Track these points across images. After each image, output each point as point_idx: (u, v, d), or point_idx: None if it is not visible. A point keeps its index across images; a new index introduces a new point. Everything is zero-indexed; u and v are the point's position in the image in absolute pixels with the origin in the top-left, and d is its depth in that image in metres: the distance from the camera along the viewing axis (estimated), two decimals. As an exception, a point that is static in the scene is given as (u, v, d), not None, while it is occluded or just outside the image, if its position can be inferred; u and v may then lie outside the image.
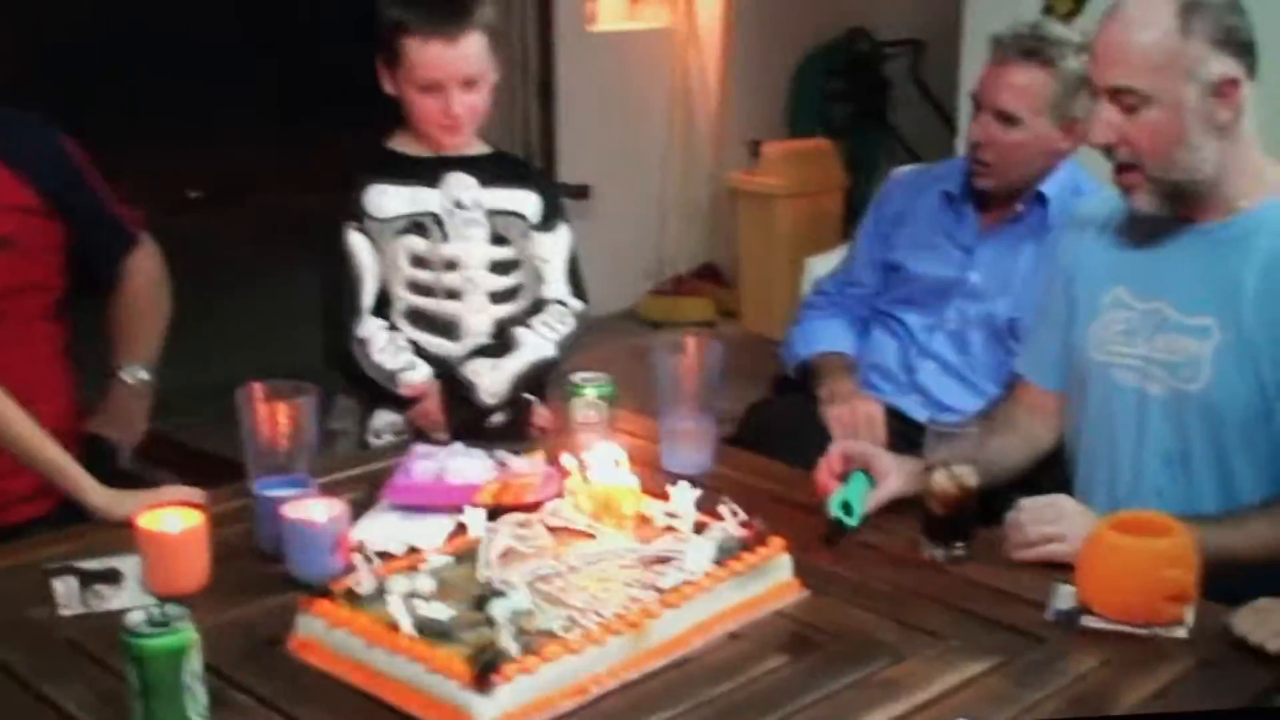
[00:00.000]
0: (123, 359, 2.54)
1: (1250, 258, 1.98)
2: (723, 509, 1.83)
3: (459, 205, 2.42)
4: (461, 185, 2.43)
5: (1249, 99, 1.97)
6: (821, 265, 3.43)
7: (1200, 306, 2.01)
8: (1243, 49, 1.95)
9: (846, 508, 1.99)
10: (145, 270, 2.57)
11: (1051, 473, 2.24)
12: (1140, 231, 2.10)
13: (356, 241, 2.40)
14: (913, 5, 6.17)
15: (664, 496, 1.89)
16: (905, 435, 2.51)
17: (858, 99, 6.40)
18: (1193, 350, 2.00)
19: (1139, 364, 2.06)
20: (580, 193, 5.47)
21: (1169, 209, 2.02)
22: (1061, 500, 1.94)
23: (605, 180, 5.64)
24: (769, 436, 2.61)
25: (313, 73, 9.21)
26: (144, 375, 2.55)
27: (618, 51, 5.78)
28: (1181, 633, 1.72)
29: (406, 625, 1.56)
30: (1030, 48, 2.60)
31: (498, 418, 2.39)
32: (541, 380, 2.49)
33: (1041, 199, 2.67)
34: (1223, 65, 1.93)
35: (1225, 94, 1.94)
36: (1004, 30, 2.68)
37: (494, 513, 1.87)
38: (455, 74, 2.34)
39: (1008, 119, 2.62)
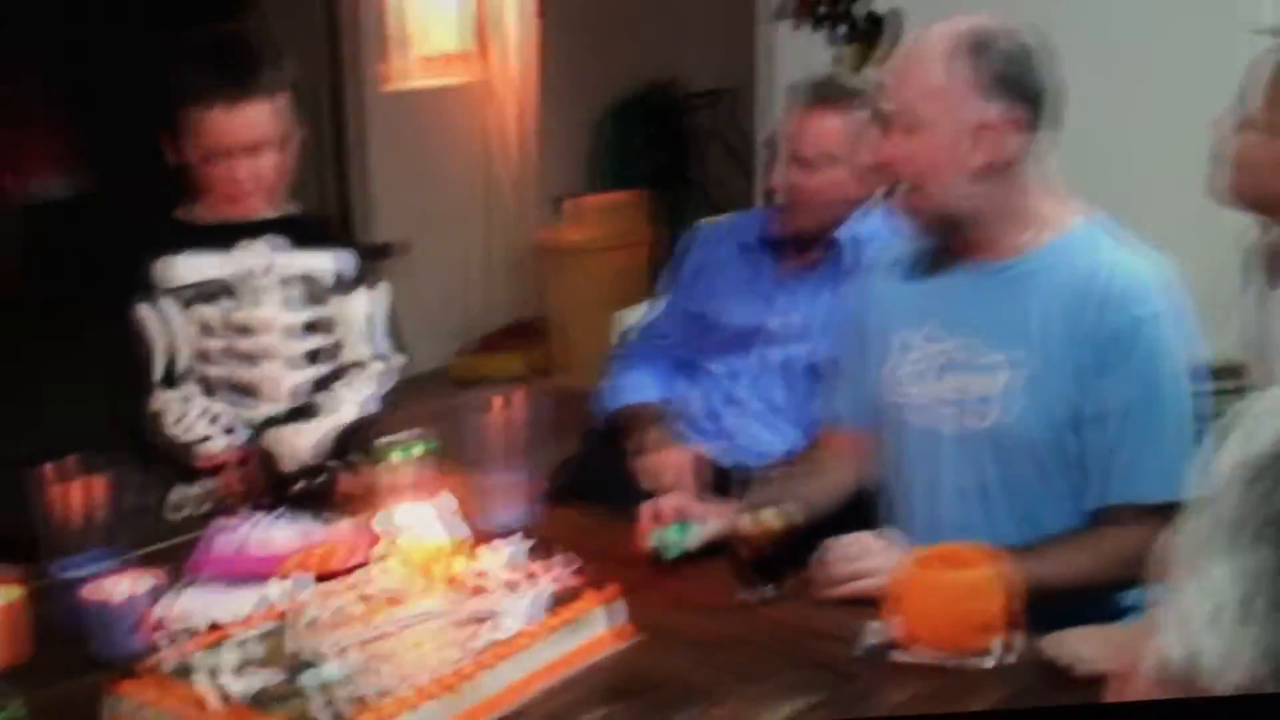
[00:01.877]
0: None
1: (1036, 295, 2.05)
2: (538, 564, 1.82)
3: (255, 270, 2.38)
4: (258, 250, 2.39)
5: (1030, 143, 2.04)
6: (631, 318, 3.45)
7: (989, 344, 2.07)
8: (1024, 96, 2.02)
9: (664, 544, 2.03)
10: None
11: (859, 513, 2.28)
12: (929, 273, 2.17)
13: (149, 314, 2.35)
14: (715, 58, 6.27)
15: (479, 555, 1.87)
16: (714, 482, 2.54)
17: (662, 151, 6.47)
18: (983, 388, 2.06)
19: (931, 404, 2.11)
20: (383, 252, 5.43)
21: (937, 239, 2.10)
22: (867, 537, 1.98)
23: (412, 238, 5.59)
24: (582, 490, 2.63)
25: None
26: None
27: (420, 109, 5.76)
28: (989, 663, 1.75)
29: (214, 701, 1.53)
30: (836, 94, 2.68)
31: (304, 484, 2.34)
32: (350, 442, 2.46)
33: (837, 245, 2.73)
34: (996, 108, 2.01)
35: (993, 135, 2.01)
36: (805, 80, 2.75)
37: (303, 582, 1.83)
38: (244, 140, 2.30)
39: (815, 164, 2.67)
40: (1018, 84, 2.02)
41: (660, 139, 6.46)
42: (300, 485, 2.34)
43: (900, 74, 2.08)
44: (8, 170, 6.62)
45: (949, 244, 2.11)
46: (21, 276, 6.90)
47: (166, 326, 2.36)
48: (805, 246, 2.77)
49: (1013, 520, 2.06)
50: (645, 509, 2.10)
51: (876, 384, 2.19)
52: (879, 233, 2.70)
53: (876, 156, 2.09)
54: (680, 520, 2.08)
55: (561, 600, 1.78)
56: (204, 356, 2.37)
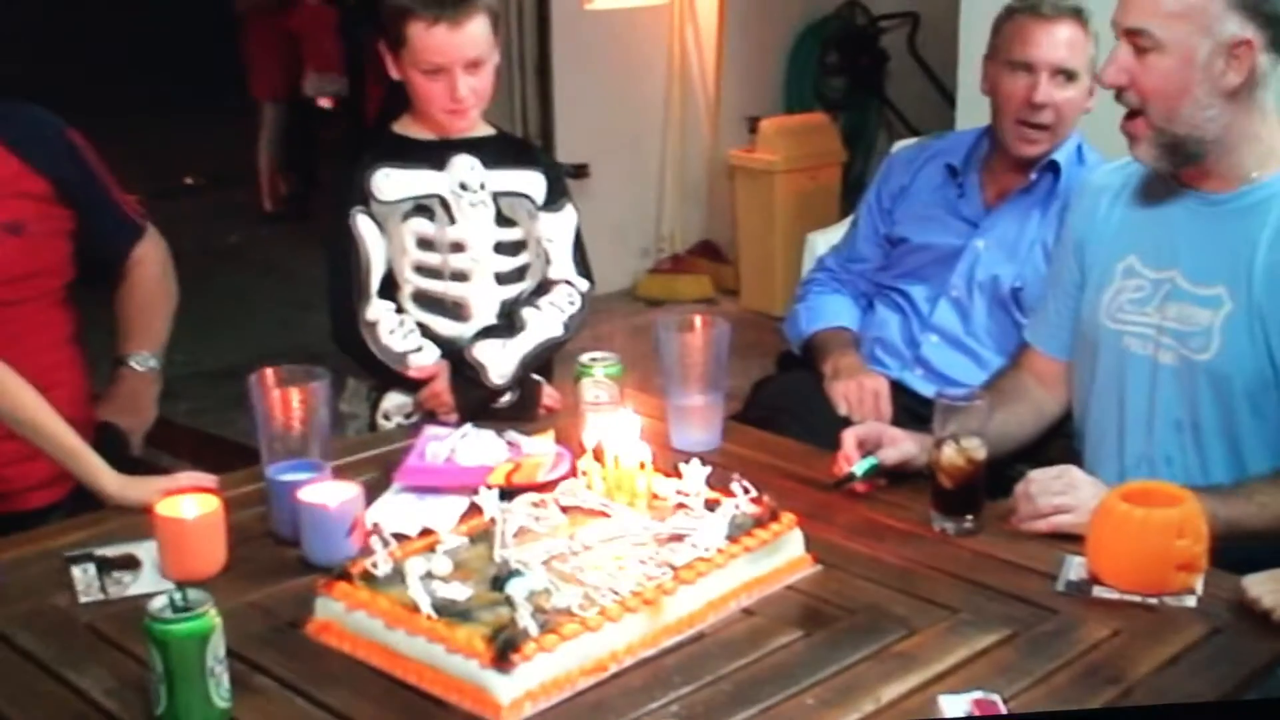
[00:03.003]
0: (131, 348, 2.55)
1: (1261, 228, 1.99)
2: (733, 486, 1.83)
3: (464, 187, 2.43)
4: (466, 167, 2.43)
5: (1269, 71, 1.98)
6: (821, 241, 3.43)
7: (1211, 276, 2.02)
8: (1268, 20, 1.96)
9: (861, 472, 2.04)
10: (151, 260, 2.58)
11: (1059, 443, 2.25)
12: (1152, 200, 2.12)
13: (364, 224, 2.40)
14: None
15: (674, 474, 1.89)
16: (910, 410, 2.52)
17: (854, 73, 6.39)
18: (1204, 320, 2.02)
19: (1150, 332, 2.07)
20: (578, 172, 5.48)
21: (1169, 164, 2.04)
22: (1071, 471, 1.95)
23: (603, 159, 5.64)
24: (774, 413, 2.62)
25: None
26: (153, 363, 2.56)
27: (614, 30, 5.77)
28: (1191, 602, 1.73)
29: (426, 606, 1.57)
30: (1072, 6, 2.62)
31: (506, 399, 2.40)
32: (549, 360, 2.50)
33: (1053, 167, 2.67)
34: (1239, 28, 1.95)
35: (1237, 56, 1.96)
36: None
37: (506, 493, 1.87)
38: (459, 57, 2.34)
39: (1067, 76, 2.61)
40: (1265, 4, 1.96)
41: (853, 61, 6.38)
42: (506, 399, 2.39)
43: None
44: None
45: (1175, 171, 2.05)
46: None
47: (383, 238, 2.42)
48: (1024, 167, 2.70)
49: (1223, 456, 2.03)
50: (847, 437, 2.09)
51: (1091, 310, 2.15)
52: (1089, 156, 2.65)
53: (1115, 80, 2.01)
54: (875, 450, 2.08)
55: (759, 522, 1.80)
56: (417, 270, 2.43)
